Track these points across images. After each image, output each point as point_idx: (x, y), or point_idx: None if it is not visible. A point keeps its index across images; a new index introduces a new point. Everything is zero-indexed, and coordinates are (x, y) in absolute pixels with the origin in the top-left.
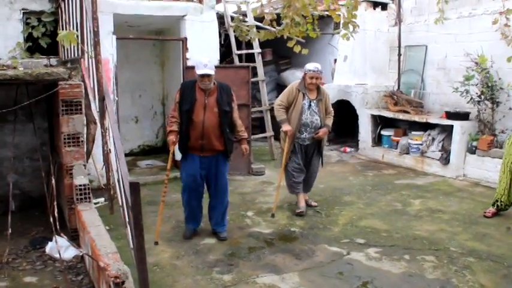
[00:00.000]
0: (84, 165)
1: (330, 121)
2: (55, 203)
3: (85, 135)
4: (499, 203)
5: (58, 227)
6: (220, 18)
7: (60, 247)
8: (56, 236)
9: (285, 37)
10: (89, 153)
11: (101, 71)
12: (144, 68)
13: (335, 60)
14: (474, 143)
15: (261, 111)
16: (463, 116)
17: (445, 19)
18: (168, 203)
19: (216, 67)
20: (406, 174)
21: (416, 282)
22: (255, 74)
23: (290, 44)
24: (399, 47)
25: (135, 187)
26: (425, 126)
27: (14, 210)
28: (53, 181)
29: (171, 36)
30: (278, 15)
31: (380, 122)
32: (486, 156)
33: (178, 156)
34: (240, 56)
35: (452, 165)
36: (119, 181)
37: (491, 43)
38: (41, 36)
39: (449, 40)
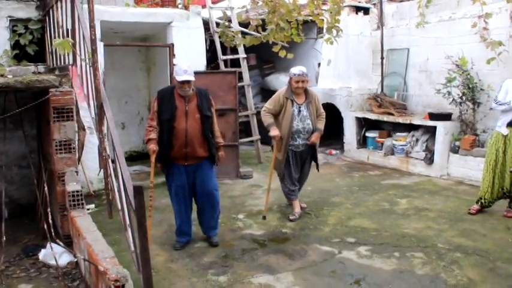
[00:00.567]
0: (76, 172)
1: (321, 124)
2: (49, 209)
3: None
4: (482, 200)
5: (47, 234)
6: (205, 24)
7: (56, 253)
8: (51, 243)
9: (270, 42)
10: (78, 160)
11: (99, 78)
12: (130, 75)
13: (319, 64)
14: (457, 143)
15: (247, 116)
16: (446, 117)
17: (425, 23)
18: (158, 208)
19: (204, 73)
20: (392, 174)
21: (407, 278)
22: (240, 79)
23: (275, 49)
24: (382, 50)
25: (138, 190)
26: (409, 128)
27: (5, 218)
28: (46, 188)
29: (156, 42)
30: (263, 20)
31: (364, 124)
32: (469, 156)
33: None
34: (225, 61)
35: (436, 165)
36: (119, 185)
37: (471, 46)
38: (28, 43)
39: (431, 43)
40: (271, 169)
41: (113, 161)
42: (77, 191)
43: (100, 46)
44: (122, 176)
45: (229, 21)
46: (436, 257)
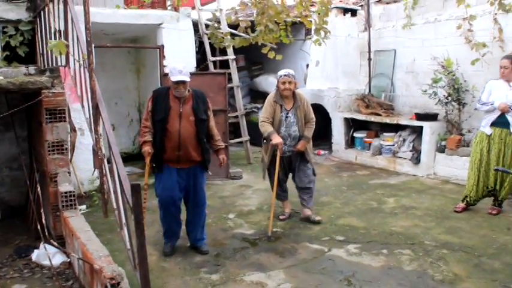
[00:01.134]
0: (69, 173)
1: (309, 132)
2: (42, 210)
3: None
4: (468, 199)
5: (41, 234)
6: (195, 25)
7: (50, 253)
8: (44, 243)
9: (259, 44)
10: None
11: (94, 79)
12: (120, 76)
13: (307, 66)
14: (443, 143)
15: (236, 117)
16: (432, 117)
17: (412, 24)
18: (149, 209)
19: (194, 74)
20: (379, 174)
21: (395, 274)
22: (229, 80)
23: (264, 50)
24: (369, 51)
25: (136, 188)
26: (396, 128)
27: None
28: (39, 189)
29: (146, 43)
30: (252, 22)
31: (352, 124)
32: (454, 155)
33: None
34: (214, 62)
35: (423, 165)
36: (115, 185)
37: (456, 47)
38: (19, 45)
39: (417, 45)
40: (274, 193)
41: (108, 161)
42: (70, 192)
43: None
44: (119, 174)
45: (218, 22)
46: (423, 253)
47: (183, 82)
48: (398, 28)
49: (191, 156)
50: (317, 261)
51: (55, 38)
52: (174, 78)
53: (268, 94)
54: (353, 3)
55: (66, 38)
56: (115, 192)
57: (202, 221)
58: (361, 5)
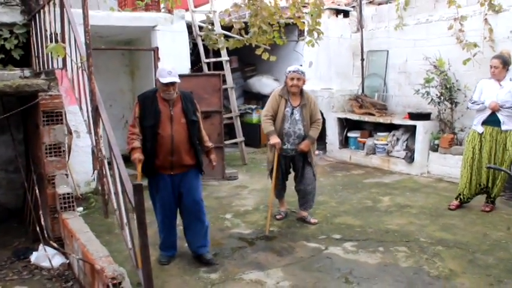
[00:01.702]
0: (66, 175)
1: (314, 132)
2: (40, 212)
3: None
4: (461, 196)
5: (40, 236)
6: (188, 27)
7: (49, 255)
8: (44, 245)
9: (253, 45)
10: None
11: (94, 81)
12: (114, 78)
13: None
14: (436, 142)
15: (231, 118)
16: (425, 117)
17: (404, 25)
18: (147, 209)
19: (189, 75)
20: (374, 173)
21: (391, 271)
22: (223, 82)
23: (259, 52)
24: (362, 52)
25: (138, 188)
26: (390, 127)
27: None
28: (37, 191)
29: (140, 46)
30: (246, 23)
31: (346, 124)
32: (448, 154)
33: None
34: (208, 64)
35: (417, 163)
36: (115, 185)
37: (448, 47)
38: (14, 48)
39: (409, 45)
40: (272, 185)
41: (108, 163)
42: (68, 194)
43: (83, 51)
44: (120, 175)
45: (212, 24)
46: (419, 250)
47: (172, 84)
48: (390, 29)
49: (184, 160)
50: (314, 260)
51: (51, 41)
52: (163, 80)
53: (261, 95)
54: (345, 5)
55: (63, 41)
56: (116, 192)
57: (204, 227)
58: (354, 6)
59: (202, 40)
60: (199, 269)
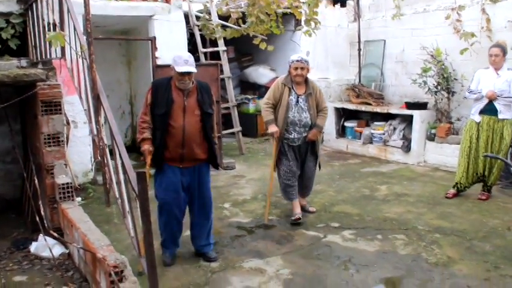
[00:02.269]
0: (65, 165)
1: (322, 120)
2: (40, 202)
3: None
4: (458, 185)
5: (40, 226)
6: (185, 17)
7: (49, 245)
8: (44, 235)
9: (251, 35)
10: None
11: (95, 70)
12: (111, 68)
13: None
14: (433, 131)
15: (228, 108)
16: (422, 106)
17: (401, 15)
18: (150, 199)
19: None
20: (371, 162)
21: (390, 258)
22: (220, 72)
23: (256, 41)
24: (359, 42)
25: (141, 176)
26: (387, 117)
27: None
28: (36, 181)
29: (137, 35)
30: (243, 13)
31: (343, 114)
32: (444, 143)
33: None
34: (205, 53)
35: (414, 153)
36: (117, 174)
37: (445, 37)
38: (10, 38)
39: (406, 35)
40: (271, 167)
41: (110, 152)
42: (67, 184)
43: (83, 39)
44: (123, 163)
45: (209, 14)
46: (417, 238)
47: (189, 73)
48: (387, 18)
49: (195, 154)
50: (314, 247)
51: (49, 30)
52: (179, 68)
53: (258, 85)
54: None
55: (62, 30)
56: (118, 181)
57: (209, 224)
58: None
59: (200, 30)
60: (199, 258)
